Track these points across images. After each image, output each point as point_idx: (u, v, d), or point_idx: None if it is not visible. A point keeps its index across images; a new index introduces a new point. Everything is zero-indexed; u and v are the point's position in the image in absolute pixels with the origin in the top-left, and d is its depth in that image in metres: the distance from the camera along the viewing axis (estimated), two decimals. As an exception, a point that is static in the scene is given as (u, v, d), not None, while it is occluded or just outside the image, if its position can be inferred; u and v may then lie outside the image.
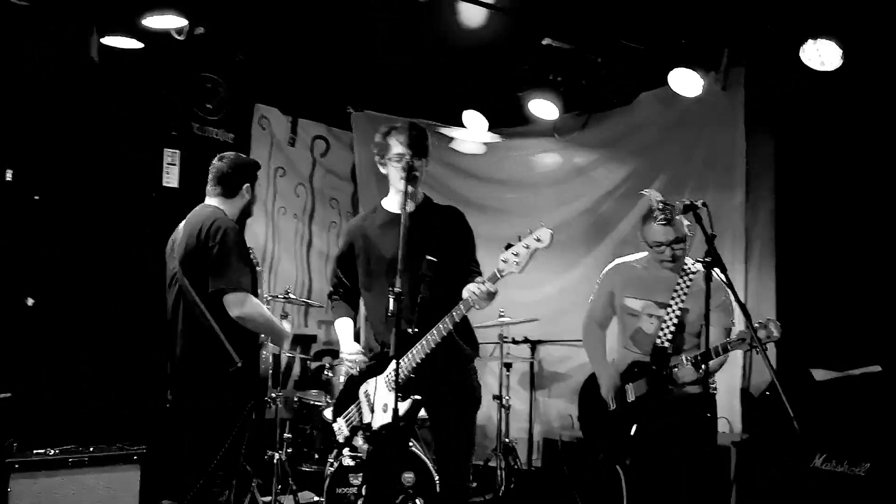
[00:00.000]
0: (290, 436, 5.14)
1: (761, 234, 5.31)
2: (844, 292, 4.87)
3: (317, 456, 5.28)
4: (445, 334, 3.18)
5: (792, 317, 4.62)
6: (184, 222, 3.69)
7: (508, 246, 3.05)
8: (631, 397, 3.70)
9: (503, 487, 5.41)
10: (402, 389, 3.11)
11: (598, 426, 3.83)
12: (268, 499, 5.01)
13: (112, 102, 5.22)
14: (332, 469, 4.37)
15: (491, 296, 3.10)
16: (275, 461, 4.97)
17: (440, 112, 6.28)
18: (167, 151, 5.50)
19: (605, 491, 3.66)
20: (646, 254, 3.87)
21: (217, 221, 3.53)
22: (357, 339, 3.59)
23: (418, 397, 3.20)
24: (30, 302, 4.83)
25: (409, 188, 3.27)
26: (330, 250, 6.61)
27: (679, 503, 3.41)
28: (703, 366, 3.38)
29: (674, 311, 3.66)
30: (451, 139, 6.34)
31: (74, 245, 5.07)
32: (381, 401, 3.31)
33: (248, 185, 3.71)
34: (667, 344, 3.64)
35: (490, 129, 6.18)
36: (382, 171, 3.47)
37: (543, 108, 5.78)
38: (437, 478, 4.59)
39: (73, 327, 5.02)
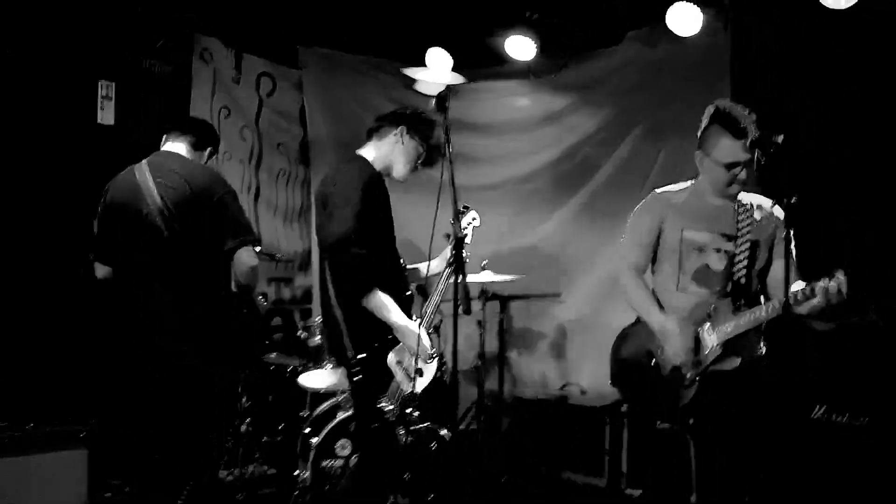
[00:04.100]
0: (248, 403, 4.62)
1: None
2: (834, 245, 4.74)
3: (281, 426, 4.77)
4: None
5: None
6: None
7: None
8: (713, 342, 3.14)
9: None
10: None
11: (648, 387, 3.31)
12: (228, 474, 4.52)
13: (39, 27, 4.44)
14: (319, 441, 3.93)
15: None
16: (241, 431, 4.47)
17: (402, 50, 5.73)
18: (102, 83, 4.76)
19: (666, 462, 3.30)
20: (687, 184, 3.39)
21: None
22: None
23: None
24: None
25: None
26: (278, 200, 6.03)
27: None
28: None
29: (745, 243, 3.20)
30: (414, 81, 5.82)
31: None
32: (414, 366, 3.28)
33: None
34: (744, 280, 3.19)
35: (457, 70, 5.69)
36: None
37: (519, 48, 5.36)
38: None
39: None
